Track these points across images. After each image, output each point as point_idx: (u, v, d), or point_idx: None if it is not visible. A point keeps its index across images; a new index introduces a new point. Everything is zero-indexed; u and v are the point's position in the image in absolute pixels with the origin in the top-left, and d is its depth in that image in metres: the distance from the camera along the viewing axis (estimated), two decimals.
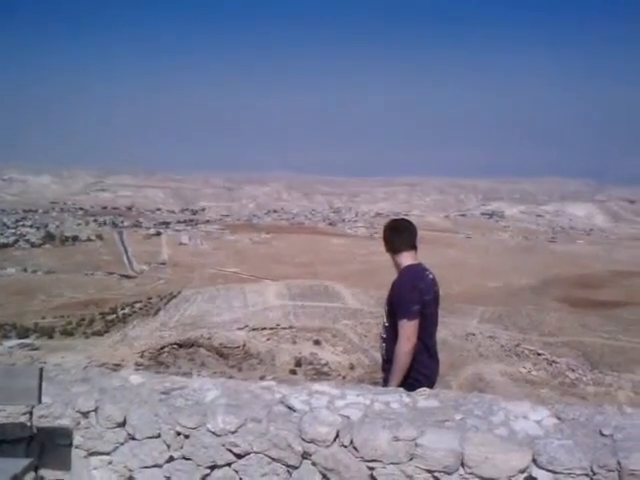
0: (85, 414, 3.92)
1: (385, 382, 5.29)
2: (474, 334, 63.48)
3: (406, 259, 5.33)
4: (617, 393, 51.21)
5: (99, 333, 70.22)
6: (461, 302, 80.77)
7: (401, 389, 4.37)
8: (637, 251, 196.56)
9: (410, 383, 4.91)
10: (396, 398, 3.88)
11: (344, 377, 49.67)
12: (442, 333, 61.34)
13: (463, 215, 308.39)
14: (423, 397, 3.90)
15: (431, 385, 5.07)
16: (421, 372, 5.14)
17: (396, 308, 5.09)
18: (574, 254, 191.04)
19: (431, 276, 5.38)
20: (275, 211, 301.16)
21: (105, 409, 3.87)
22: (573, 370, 54.67)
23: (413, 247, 5.44)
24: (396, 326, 5.11)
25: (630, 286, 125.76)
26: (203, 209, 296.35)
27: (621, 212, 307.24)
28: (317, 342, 55.18)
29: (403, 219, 5.67)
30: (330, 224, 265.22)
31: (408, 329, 4.99)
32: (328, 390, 3.90)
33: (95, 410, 3.90)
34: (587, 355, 57.39)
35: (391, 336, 5.23)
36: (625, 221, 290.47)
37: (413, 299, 5.03)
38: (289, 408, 3.67)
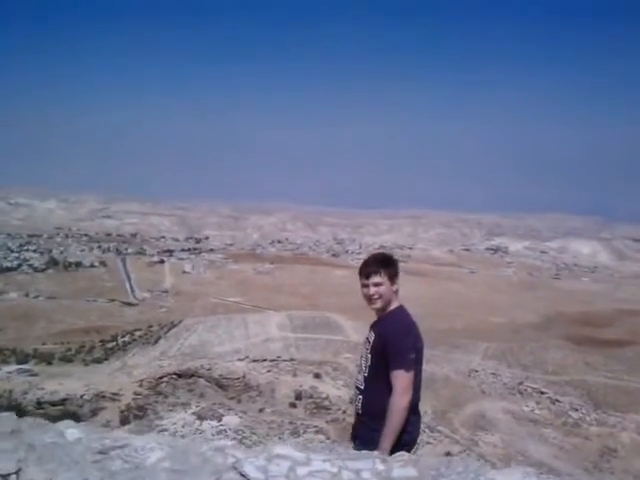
0: (5, 477, 3.16)
1: (356, 439, 4.86)
2: (477, 370, 62.82)
3: (395, 299, 4.93)
4: (621, 434, 50.44)
5: (98, 360, 69.80)
6: (464, 337, 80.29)
7: (375, 453, 3.91)
8: None
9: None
10: (368, 465, 3.37)
11: (344, 411, 49.11)
12: (445, 369, 60.79)
13: (467, 250, 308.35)
14: (400, 464, 3.44)
15: (413, 444, 4.73)
16: (405, 430, 4.63)
17: (391, 357, 4.58)
18: (578, 291, 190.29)
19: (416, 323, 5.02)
20: (279, 241, 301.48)
21: (28, 471, 3.18)
22: (576, 410, 53.92)
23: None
24: (378, 377, 4.64)
25: (634, 325, 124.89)
26: (207, 237, 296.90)
27: (626, 250, 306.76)
28: (317, 375, 54.60)
29: (384, 253, 5.37)
30: (333, 255, 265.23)
31: (406, 380, 4.51)
32: (290, 454, 3.40)
33: (17, 473, 3.18)
34: (591, 395, 56.67)
35: (371, 388, 4.75)
36: (630, 259, 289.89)
37: (409, 346, 4.62)
38: (242, 476, 3.15)
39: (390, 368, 4.53)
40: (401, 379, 4.49)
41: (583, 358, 69.50)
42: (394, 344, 4.59)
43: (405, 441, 4.55)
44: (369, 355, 4.76)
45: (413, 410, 4.69)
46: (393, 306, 4.88)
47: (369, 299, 4.95)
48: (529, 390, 58.12)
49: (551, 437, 49.75)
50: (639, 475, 44.41)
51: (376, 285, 4.87)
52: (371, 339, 4.83)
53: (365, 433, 4.75)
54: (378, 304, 4.91)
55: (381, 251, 5.52)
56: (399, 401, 4.47)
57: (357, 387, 4.89)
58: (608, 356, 72.81)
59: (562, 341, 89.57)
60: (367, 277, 4.92)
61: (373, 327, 4.97)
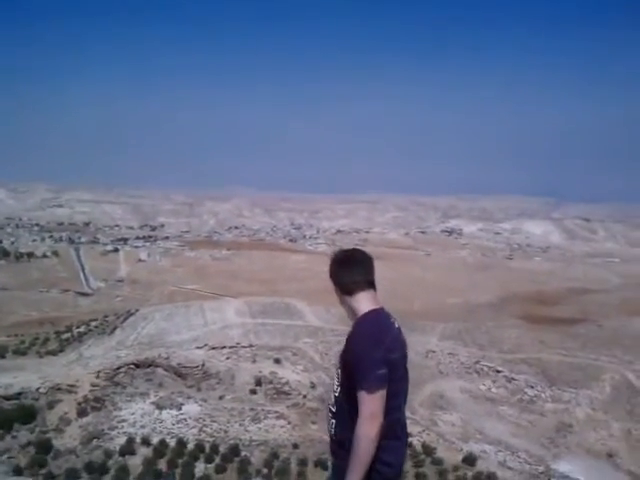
0: None
1: (335, 470, 4.24)
2: (434, 351, 63.60)
3: (364, 302, 4.17)
4: (575, 410, 51.74)
5: (53, 352, 68.49)
6: (421, 319, 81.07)
7: None
8: (592, 268, 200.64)
9: (368, 475, 3.87)
10: None
11: (305, 396, 49.23)
12: None
13: (423, 232, 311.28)
14: None
15: (396, 477, 4.14)
16: (383, 460, 3.95)
17: (354, 374, 3.87)
18: (531, 271, 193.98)
19: (397, 325, 4.25)
20: (236, 227, 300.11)
21: None
22: (532, 387, 55.09)
23: (371, 285, 4.27)
24: (351, 396, 3.92)
25: (586, 303, 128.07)
26: (162, 225, 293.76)
27: (577, 230, 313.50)
28: (277, 361, 54.58)
29: (355, 249, 4.45)
30: (291, 241, 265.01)
31: (372, 404, 3.79)
32: None
33: None
34: (545, 372, 57.90)
35: (343, 410, 4.09)
36: (581, 239, 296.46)
37: (377, 361, 3.84)
38: None
39: (355, 387, 3.87)
40: (366, 403, 3.79)
41: (537, 336, 70.91)
42: (357, 360, 3.88)
43: (384, 474, 3.99)
44: (339, 371, 4.15)
45: (392, 435, 4.04)
46: (360, 313, 4.17)
47: None
48: (485, 369, 59.11)
49: (508, 414, 50.76)
50: (593, 449, 45.66)
51: None
52: (342, 353, 4.18)
53: (338, 461, 4.20)
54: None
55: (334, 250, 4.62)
56: (364, 429, 3.79)
57: (329, 408, 4.28)
58: (561, 334, 74.41)
59: (517, 320, 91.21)
60: None
61: None
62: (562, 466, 41.88)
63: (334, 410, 4.20)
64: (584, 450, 45.64)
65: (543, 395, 54.11)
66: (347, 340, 4.07)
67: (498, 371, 58.25)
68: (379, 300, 4.27)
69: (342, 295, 4.30)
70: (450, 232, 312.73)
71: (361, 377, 3.83)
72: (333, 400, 4.22)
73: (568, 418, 50.36)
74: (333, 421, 4.20)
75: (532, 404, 53.09)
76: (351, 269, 4.27)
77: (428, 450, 40.42)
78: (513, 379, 56.71)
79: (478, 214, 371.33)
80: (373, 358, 3.85)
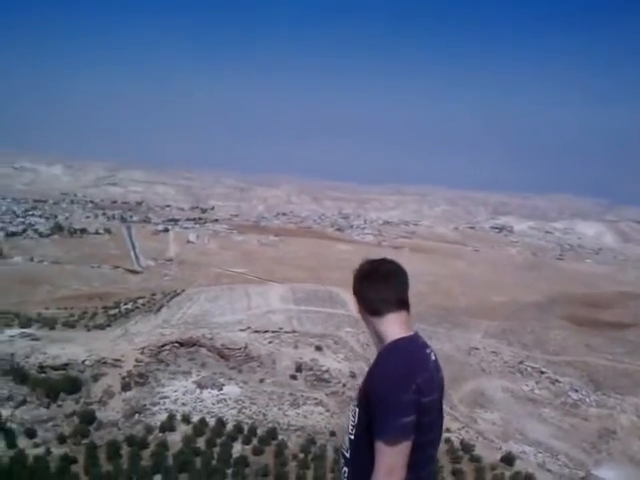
0: None
1: None
2: (477, 348, 62.96)
3: (393, 327, 3.43)
4: (620, 416, 50.65)
5: (101, 327, 70.08)
6: (466, 315, 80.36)
7: None
8: None
9: None
10: None
11: (344, 384, 49.29)
12: (446, 346, 60.90)
13: (472, 228, 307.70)
14: None
15: None
16: None
17: (374, 418, 3.18)
18: (581, 273, 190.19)
19: (433, 357, 3.46)
20: (284, 214, 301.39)
21: None
22: (576, 391, 54.11)
23: (403, 306, 3.50)
24: (369, 441, 3.23)
25: (637, 308, 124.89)
26: (212, 208, 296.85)
27: (631, 233, 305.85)
28: (319, 348, 54.74)
29: (385, 260, 3.63)
30: (338, 230, 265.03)
31: (391, 458, 3.11)
32: None
33: None
34: (591, 376, 56.81)
35: (357, 457, 3.40)
36: (634, 242, 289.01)
37: (404, 405, 3.12)
38: None
39: (374, 434, 3.18)
40: (384, 455, 3.11)
41: (584, 339, 69.57)
42: (378, 402, 3.16)
43: None
44: (356, 409, 3.40)
45: None
46: (387, 341, 3.42)
47: None
48: (529, 369, 58.27)
49: (550, 417, 49.97)
50: (636, 457, 44.64)
51: None
52: (361, 389, 3.43)
53: None
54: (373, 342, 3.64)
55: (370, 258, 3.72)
56: None
57: (341, 453, 3.64)
58: (609, 338, 72.87)
59: (564, 322, 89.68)
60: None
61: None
62: (603, 472, 41.04)
63: (348, 456, 3.47)
64: (627, 458, 44.67)
65: (587, 399, 53.09)
66: (369, 373, 3.33)
67: (542, 372, 57.36)
68: (413, 324, 3.51)
69: (367, 316, 3.56)
70: (500, 229, 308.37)
71: (381, 423, 3.11)
72: (347, 444, 3.49)
73: (612, 424, 49.33)
74: (346, 469, 3.47)
75: (575, 408, 52.16)
76: (379, 284, 3.48)
77: (467, 447, 40.08)
78: (557, 381, 55.78)
79: (530, 212, 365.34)
80: (399, 401, 3.11)
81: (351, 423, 3.45)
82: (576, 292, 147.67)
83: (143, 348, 52.30)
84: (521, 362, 59.35)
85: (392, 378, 3.18)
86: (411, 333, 3.45)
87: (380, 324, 3.47)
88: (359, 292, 3.59)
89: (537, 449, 43.59)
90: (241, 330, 57.03)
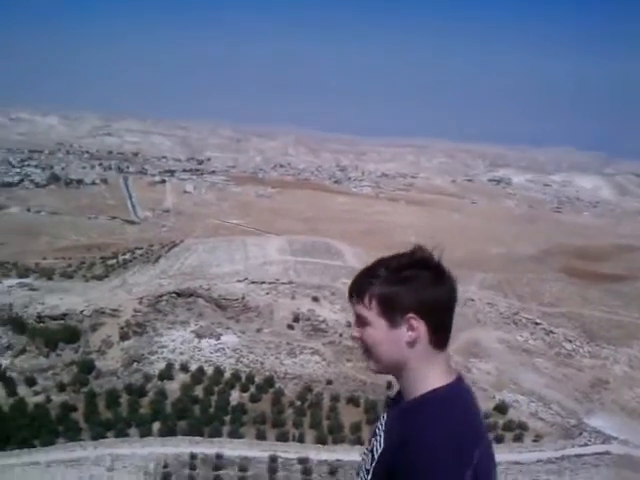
0: None
1: None
2: (473, 300, 63.26)
3: (435, 367, 2.40)
4: (613, 367, 51.29)
5: (99, 277, 70.30)
6: (462, 267, 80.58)
7: None
8: None
9: None
10: None
11: (341, 334, 49.74)
12: None
13: (470, 180, 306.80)
14: None
15: None
16: None
17: None
18: (578, 225, 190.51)
19: (481, 413, 2.54)
20: (281, 166, 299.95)
21: None
22: (570, 341, 54.65)
23: (445, 335, 2.43)
24: None
25: (632, 260, 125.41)
26: (209, 159, 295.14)
27: (628, 186, 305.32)
28: (316, 299, 55.06)
29: (429, 258, 2.51)
30: (335, 182, 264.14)
31: None
32: None
33: None
34: (585, 327, 57.29)
35: None
36: (632, 195, 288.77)
37: None
38: None
39: None
40: None
41: (580, 291, 70.00)
42: None
43: None
44: (367, 476, 2.43)
45: None
46: (423, 389, 2.37)
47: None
48: (524, 320, 58.74)
49: (543, 367, 50.57)
50: (628, 407, 45.36)
51: (359, 321, 2.48)
52: (376, 448, 2.43)
53: None
54: (371, 364, 2.50)
55: (409, 249, 2.54)
56: None
57: None
58: (605, 290, 73.27)
59: (560, 274, 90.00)
60: (349, 298, 2.57)
61: (387, 425, 2.49)
62: (595, 421, 41.76)
63: None
64: (619, 407, 45.38)
65: (581, 350, 53.69)
66: (399, 441, 2.30)
67: (537, 323, 57.83)
68: (451, 363, 2.51)
69: (422, 344, 2.41)
70: (498, 181, 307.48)
71: None
72: None
73: (605, 374, 49.98)
74: None
75: (569, 358, 52.77)
76: (452, 308, 2.47)
77: None
78: (552, 332, 56.29)
79: (528, 165, 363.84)
80: None
81: None
82: (573, 245, 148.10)
83: (141, 298, 52.62)
84: (516, 313, 59.78)
85: (443, 455, 2.14)
86: (454, 377, 2.42)
87: (416, 356, 2.37)
88: (388, 299, 2.38)
89: (530, 398, 44.23)
90: (238, 281, 57.22)
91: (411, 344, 2.37)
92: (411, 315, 2.34)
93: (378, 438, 2.43)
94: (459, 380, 2.41)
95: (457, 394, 2.36)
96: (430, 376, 2.36)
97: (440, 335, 2.39)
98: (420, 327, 2.35)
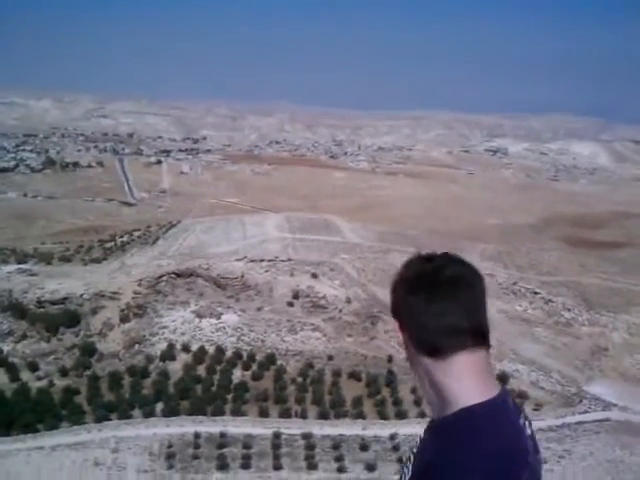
0: None
1: None
2: None
3: (466, 381, 2.11)
4: (612, 334, 51.54)
5: (97, 260, 70.29)
6: (462, 239, 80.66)
7: None
8: (639, 192, 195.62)
9: None
10: None
11: (340, 310, 49.93)
12: None
13: (466, 151, 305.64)
14: None
15: None
16: None
17: None
18: (576, 193, 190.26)
19: (529, 431, 2.20)
20: (277, 142, 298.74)
21: None
22: (569, 310, 54.87)
23: (481, 340, 2.15)
24: None
25: (630, 227, 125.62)
26: (204, 138, 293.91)
27: (625, 152, 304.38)
28: (315, 275, 55.16)
29: (448, 258, 2.37)
30: (332, 157, 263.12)
31: None
32: None
33: None
34: (584, 295, 57.51)
35: None
36: (629, 161, 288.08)
37: None
38: None
39: None
40: None
41: (578, 260, 70.18)
42: None
43: None
44: None
45: None
46: (454, 406, 2.10)
47: None
48: (523, 290, 58.93)
49: (543, 336, 50.85)
50: (627, 373, 45.67)
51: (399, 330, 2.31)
52: (405, 473, 2.24)
53: None
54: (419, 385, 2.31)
55: (441, 253, 2.41)
56: None
57: None
58: (602, 258, 73.53)
59: (558, 243, 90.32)
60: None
61: (418, 447, 2.26)
62: (595, 388, 42.10)
63: None
64: (618, 374, 45.70)
65: (580, 318, 53.91)
66: (425, 467, 2.09)
67: (536, 293, 58.02)
68: (494, 372, 2.35)
69: (417, 354, 2.20)
70: (495, 151, 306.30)
71: None
72: None
73: (604, 342, 50.26)
74: None
75: (568, 327, 53.02)
76: (441, 301, 2.14)
77: None
78: (550, 301, 56.50)
79: (525, 133, 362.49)
80: None
81: None
82: (570, 213, 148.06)
83: (140, 280, 52.69)
84: (515, 283, 59.95)
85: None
86: (495, 391, 2.11)
87: (442, 372, 2.10)
88: (403, 314, 2.21)
89: (530, 367, 44.54)
90: (237, 260, 57.30)
91: (406, 349, 2.23)
92: (395, 318, 2.27)
93: (408, 464, 2.24)
94: (502, 395, 2.12)
95: (493, 414, 2.06)
96: (456, 393, 2.08)
97: (427, 341, 2.15)
98: (401, 332, 2.24)
